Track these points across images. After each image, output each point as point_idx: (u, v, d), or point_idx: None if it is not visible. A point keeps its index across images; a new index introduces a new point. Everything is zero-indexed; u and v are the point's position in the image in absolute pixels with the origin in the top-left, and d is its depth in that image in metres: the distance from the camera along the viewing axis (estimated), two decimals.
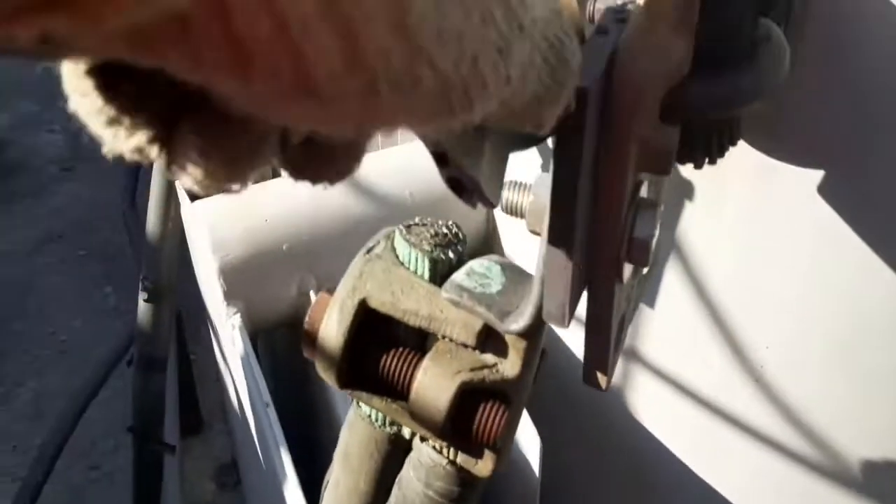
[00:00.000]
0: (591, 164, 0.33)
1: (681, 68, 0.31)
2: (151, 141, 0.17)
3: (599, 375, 0.40)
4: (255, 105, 0.16)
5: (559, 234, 0.33)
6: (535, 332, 0.38)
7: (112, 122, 0.17)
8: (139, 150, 0.17)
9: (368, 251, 0.41)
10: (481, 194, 0.30)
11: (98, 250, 2.25)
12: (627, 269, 0.37)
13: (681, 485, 0.73)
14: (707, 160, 0.36)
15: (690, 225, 0.64)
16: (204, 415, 1.77)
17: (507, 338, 0.39)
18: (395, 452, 0.44)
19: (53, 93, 0.19)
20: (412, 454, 0.43)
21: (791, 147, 0.56)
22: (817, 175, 0.56)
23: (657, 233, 0.37)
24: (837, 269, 0.58)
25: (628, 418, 0.74)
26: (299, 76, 0.15)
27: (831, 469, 0.65)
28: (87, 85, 0.17)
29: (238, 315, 0.71)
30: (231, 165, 0.18)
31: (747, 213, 0.60)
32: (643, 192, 0.38)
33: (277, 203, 0.74)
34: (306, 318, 0.40)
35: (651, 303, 0.69)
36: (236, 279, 0.72)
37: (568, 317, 0.35)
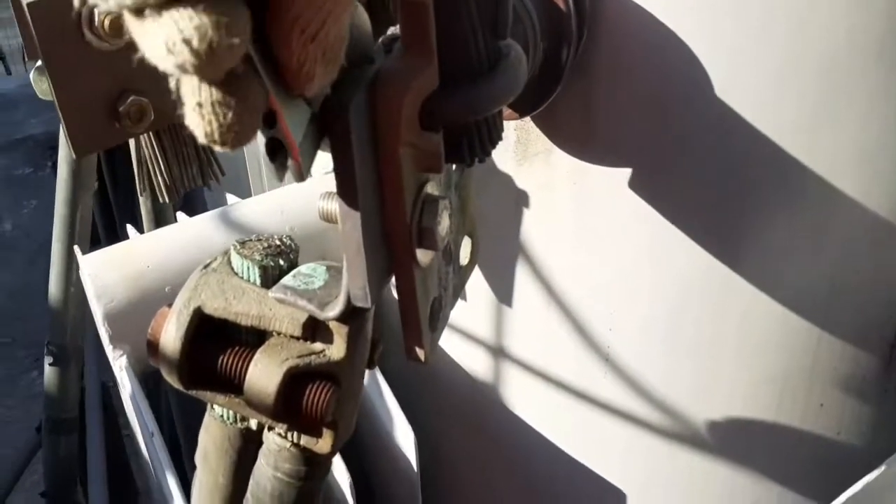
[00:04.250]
0: (371, 168, 0.40)
1: (430, 83, 0.39)
2: None
3: (418, 350, 0.46)
4: None
5: (349, 227, 0.39)
6: (355, 317, 0.44)
7: None
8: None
9: (205, 267, 0.47)
10: (295, 160, 0.35)
11: (24, 337, 2.21)
12: (426, 255, 0.44)
13: (553, 464, 0.79)
14: (475, 159, 0.43)
15: (530, 229, 0.71)
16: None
17: (332, 325, 0.45)
18: (248, 447, 0.49)
19: None
20: (263, 445, 0.48)
21: (597, 150, 0.65)
22: (624, 172, 0.64)
23: (444, 221, 0.43)
24: (655, 251, 0.66)
25: (502, 409, 0.80)
26: None
27: (675, 430, 0.72)
28: None
29: (124, 357, 0.74)
30: None
31: (573, 211, 0.68)
32: (433, 188, 0.44)
33: (159, 250, 0.78)
34: (149, 330, 0.45)
35: (509, 302, 0.76)
36: (121, 323, 0.75)
37: (370, 297, 0.41)
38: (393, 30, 0.46)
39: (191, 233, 0.82)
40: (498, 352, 0.78)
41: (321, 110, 0.37)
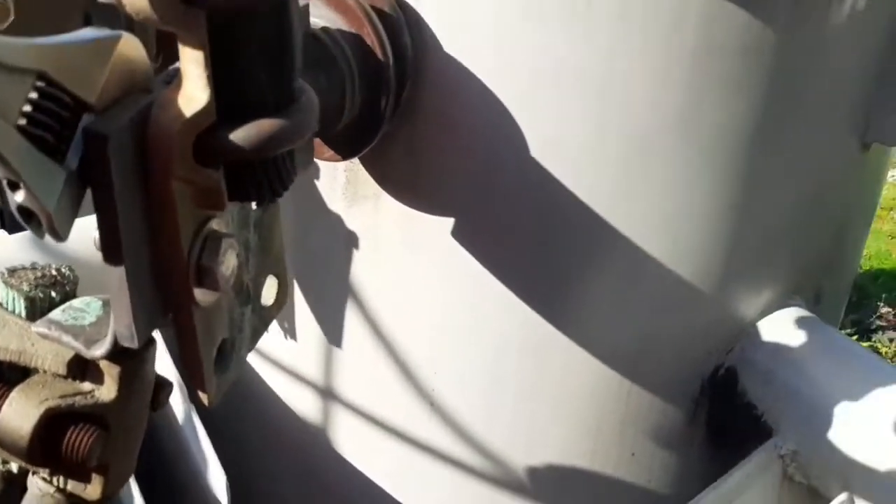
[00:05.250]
0: (140, 203, 0.38)
1: (206, 116, 0.38)
2: None
3: (200, 393, 0.44)
4: None
5: (110, 260, 0.37)
6: (128, 356, 0.42)
7: None
8: None
9: None
10: (51, 226, 0.34)
11: None
12: (207, 295, 0.42)
13: None
14: (263, 199, 0.42)
15: (359, 270, 0.71)
16: None
17: (102, 365, 0.42)
18: (11, 490, 0.45)
19: None
20: (27, 490, 0.44)
21: (422, 198, 0.66)
22: (447, 221, 0.66)
23: (229, 260, 0.42)
24: (475, 302, 0.68)
25: (331, 451, 0.79)
26: None
27: (497, 476, 0.73)
28: None
29: None
30: None
31: (399, 256, 0.69)
32: (220, 226, 0.43)
33: None
34: None
35: (339, 343, 0.75)
36: None
37: (136, 336, 0.39)
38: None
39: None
40: (327, 393, 0.76)
41: (84, 138, 0.35)
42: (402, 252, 0.68)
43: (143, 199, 0.38)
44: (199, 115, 0.38)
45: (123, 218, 0.37)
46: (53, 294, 0.44)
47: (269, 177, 0.42)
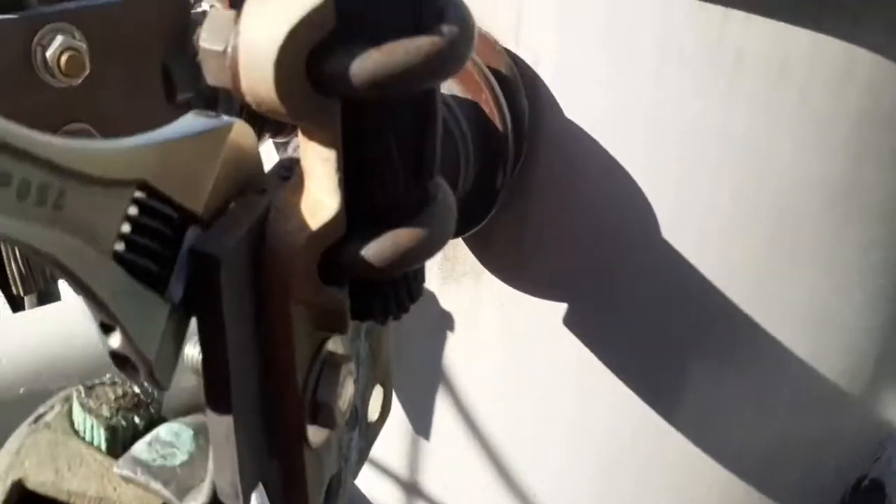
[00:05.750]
0: (250, 329, 0.31)
1: (335, 228, 0.31)
2: None
3: None
4: None
5: (215, 404, 0.30)
6: None
7: None
8: None
9: (37, 419, 0.36)
10: (150, 375, 0.27)
11: None
12: (319, 433, 0.35)
13: None
14: (390, 316, 0.35)
15: (453, 354, 0.63)
16: None
17: None
18: None
19: None
20: None
21: (529, 278, 0.58)
22: (556, 306, 0.58)
23: (346, 391, 0.35)
24: (584, 395, 0.59)
25: None
26: None
27: None
28: None
29: None
30: None
31: (499, 340, 0.61)
32: (335, 344, 0.36)
33: (14, 341, 0.66)
34: None
35: (426, 435, 0.67)
36: None
37: (242, 495, 0.32)
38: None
39: (58, 321, 0.70)
40: (412, 489, 0.68)
41: (190, 257, 0.28)
42: (503, 337, 0.60)
43: (255, 328, 0.31)
44: (327, 227, 0.30)
45: (234, 355, 0.29)
46: (137, 420, 0.37)
47: (399, 294, 0.34)
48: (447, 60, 0.28)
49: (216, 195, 0.29)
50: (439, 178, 0.35)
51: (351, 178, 0.30)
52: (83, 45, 0.46)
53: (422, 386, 0.65)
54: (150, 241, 0.27)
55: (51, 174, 0.22)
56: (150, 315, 0.27)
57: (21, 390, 0.66)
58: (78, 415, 0.37)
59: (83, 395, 0.37)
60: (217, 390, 0.29)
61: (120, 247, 0.26)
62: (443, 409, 0.65)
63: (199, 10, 0.54)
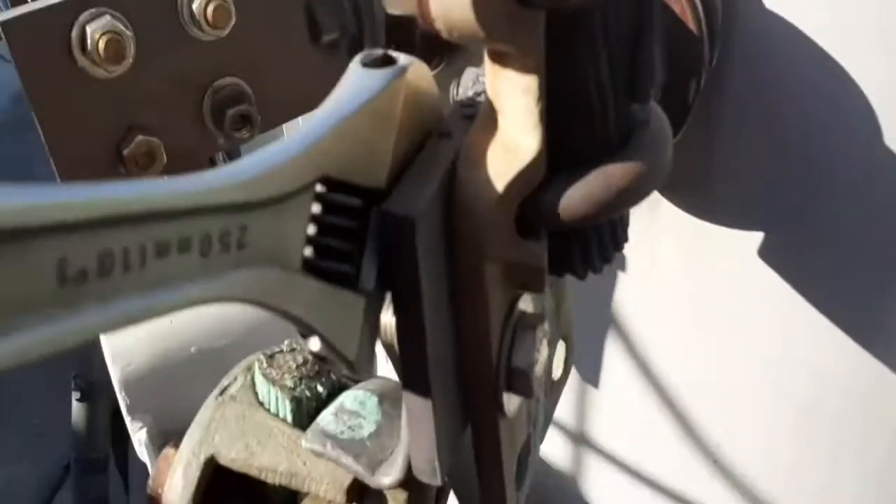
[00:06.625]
0: (444, 293, 0.27)
1: (536, 171, 0.26)
2: None
3: None
4: None
5: (412, 378, 0.27)
6: (416, 482, 0.32)
7: None
8: None
9: (222, 392, 0.35)
10: (352, 370, 0.25)
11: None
12: (514, 401, 0.31)
13: None
14: (592, 269, 0.30)
15: (628, 292, 0.58)
16: None
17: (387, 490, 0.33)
18: None
19: None
20: None
21: (717, 203, 0.51)
22: (749, 235, 0.51)
23: (542, 354, 0.31)
24: (780, 322, 0.53)
25: None
26: None
27: None
28: None
29: (144, 430, 0.64)
30: None
31: (681, 275, 0.55)
32: (526, 303, 0.32)
33: None
34: (149, 482, 0.34)
35: (595, 382, 0.63)
36: (141, 390, 0.65)
37: (440, 471, 0.29)
38: (473, 77, 0.34)
39: None
40: (580, 440, 0.65)
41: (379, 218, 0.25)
42: (686, 272, 0.54)
43: (448, 292, 0.28)
44: (526, 172, 0.26)
45: (432, 326, 0.26)
46: (320, 388, 0.35)
47: (603, 242, 0.30)
48: None
49: (397, 156, 0.25)
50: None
51: (551, 110, 0.25)
52: None
53: (590, 329, 0.61)
54: (339, 241, 0.24)
55: (230, 217, 0.19)
56: (347, 315, 0.24)
57: (192, 349, 0.67)
58: (262, 386, 0.35)
59: (265, 364, 0.36)
60: (414, 367, 0.26)
61: (308, 252, 0.23)
62: (613, 355, 0.60)
63: None
